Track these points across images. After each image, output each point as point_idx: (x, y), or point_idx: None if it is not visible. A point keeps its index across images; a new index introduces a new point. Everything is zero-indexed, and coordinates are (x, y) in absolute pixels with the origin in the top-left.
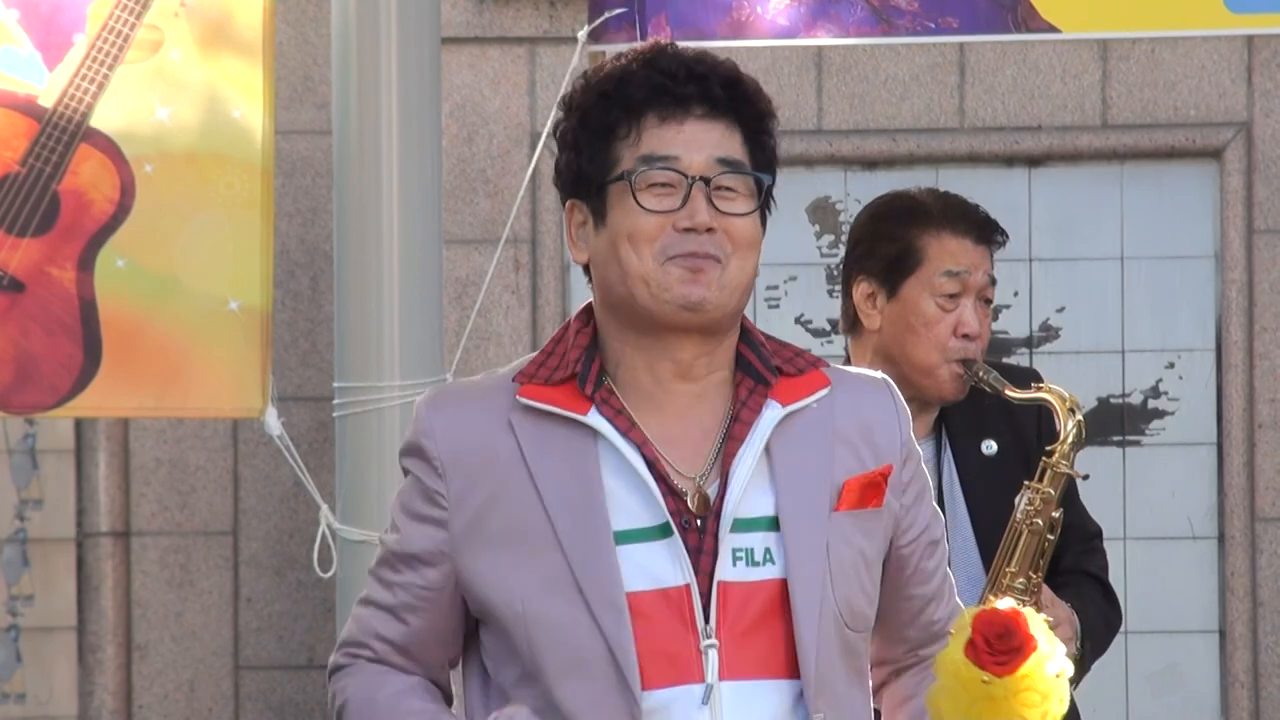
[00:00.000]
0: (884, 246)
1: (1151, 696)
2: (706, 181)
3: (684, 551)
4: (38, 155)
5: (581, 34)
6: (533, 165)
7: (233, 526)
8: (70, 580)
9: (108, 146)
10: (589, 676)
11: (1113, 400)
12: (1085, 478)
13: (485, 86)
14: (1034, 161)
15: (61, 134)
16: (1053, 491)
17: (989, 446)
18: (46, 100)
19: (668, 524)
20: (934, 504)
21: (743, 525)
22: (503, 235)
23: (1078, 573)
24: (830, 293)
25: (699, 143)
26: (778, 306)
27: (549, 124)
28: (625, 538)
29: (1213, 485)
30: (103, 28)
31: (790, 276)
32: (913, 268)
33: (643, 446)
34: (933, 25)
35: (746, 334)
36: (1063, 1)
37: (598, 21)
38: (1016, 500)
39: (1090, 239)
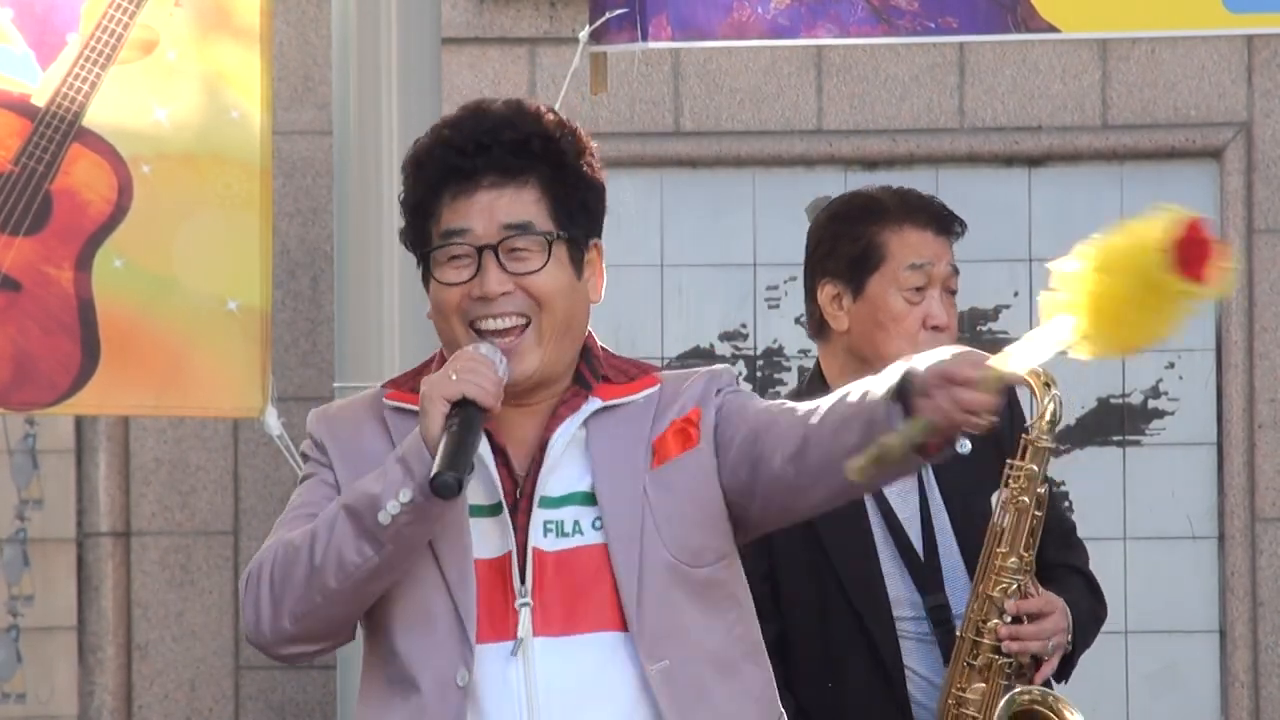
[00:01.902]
0: (846, 246)
1: (1151, 696)
2: (495, 250)
3: (510, 526)
4: (30, 154)
5: (582, 35)
6: None
7: (233, 526)
8: (70, 580)
9: (102, 147)
10: (431, 632)
11: (1113, 400)
12: (1067, 450)
13: (485, 87)
14: (1034, 162)
15: (54, 133)
16: (1036, 468)
17: (963, 445)
18: (39, 99)
19: (500, 504)
20: (763, 400)
21: (552, 502)
22: None
23: (1061, 567)
24: None
25: (489, 212)
26: (778, 306)
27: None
28: (469, 512)
29: (1213, 485)
30: (96, 26)
31: (790, 277)
32: (877, 264)
33: (494, 435)
34: (933, 25)
35: (587, 351)
36: (1063, 1)
37: (599, 22)
38: (1001, 484)
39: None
